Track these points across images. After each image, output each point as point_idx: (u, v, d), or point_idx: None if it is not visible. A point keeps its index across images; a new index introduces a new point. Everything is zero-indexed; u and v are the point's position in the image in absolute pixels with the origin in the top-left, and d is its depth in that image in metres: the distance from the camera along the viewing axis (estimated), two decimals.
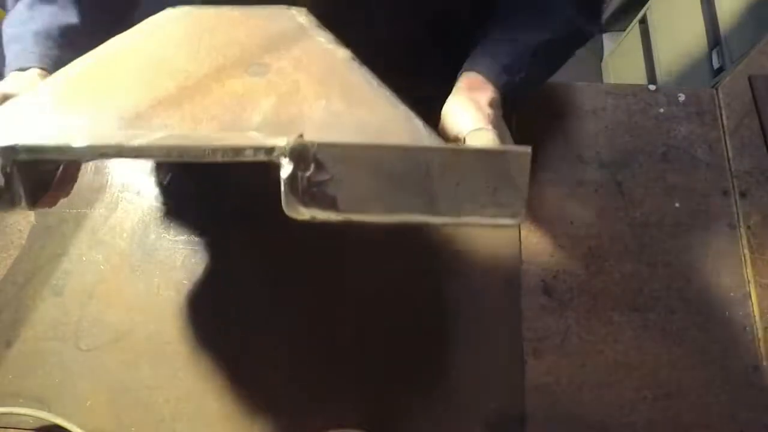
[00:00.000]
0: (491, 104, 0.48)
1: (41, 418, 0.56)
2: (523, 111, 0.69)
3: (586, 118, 0.69)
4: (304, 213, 0.30)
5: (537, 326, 0.59)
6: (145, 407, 0.57)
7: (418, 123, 0.36)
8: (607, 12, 1.81)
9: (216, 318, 0.61)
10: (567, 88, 0.70)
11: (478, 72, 0.51)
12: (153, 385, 0.58)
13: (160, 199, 0.67)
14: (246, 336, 0.60)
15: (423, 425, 0.56)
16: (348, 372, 0.58)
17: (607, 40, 1.84)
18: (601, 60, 1.82)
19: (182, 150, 0.30)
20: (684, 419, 0.55)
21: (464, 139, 0.42)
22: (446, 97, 0.52)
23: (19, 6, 0.55)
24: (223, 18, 0.47)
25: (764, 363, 0.57)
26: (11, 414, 0.56)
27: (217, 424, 0.56)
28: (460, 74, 0.52)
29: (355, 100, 0.37)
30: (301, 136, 0.31)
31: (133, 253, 0.64)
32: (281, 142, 0.30)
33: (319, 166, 0.29)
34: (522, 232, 0.63)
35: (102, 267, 0.64)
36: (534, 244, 0.63)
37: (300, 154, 0.29)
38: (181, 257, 0.64)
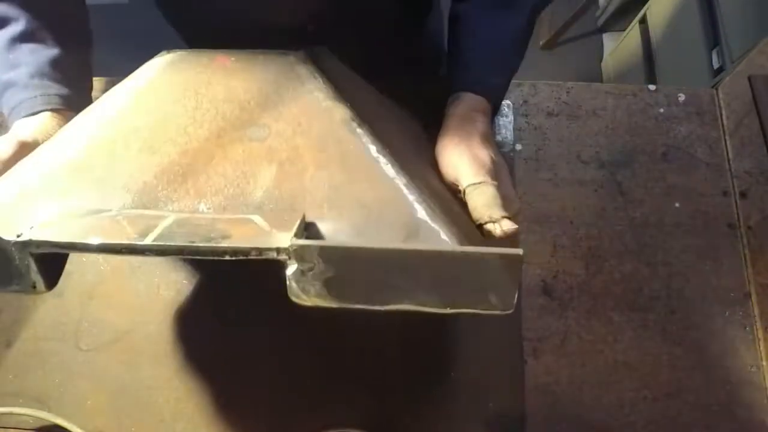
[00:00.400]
0: (485, 139, 0.48)
1: (41, 418, 0.56)
2: (522, 111, 0.69)
3: (586, 118, 0.69)
4: (307, 301, 0.33)
5: (537, 326, 0.59)
6: (145, 407, 0.57)
7: (416, 197, 0.38)
8: (607, 12, 1.81)
9: (216, 318, 0.61)
10: (567, 88, 0.70)
11: (470, 91, 0.52)
12: (153, 385, 0.58)
13: None
14: (246, 336, 0.60)
15: (423, 425, 0.56)
16: (348, 372, 0.58)
17: (607, 40, 1.84)
18: (601, 60, 1.82)
19: (193, 250, 0.33)
20: (684, 419, 0.55)
21: (464, 192, 0.44)
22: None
23: None
24: (219, 67, 0.46)
25: (764, 363, 0.57)
26: (11, 414, 0.56)
27: (216, 424, 0.56)
28: (452, 97, 0.52)
29: (354, 170, 0.39)
30: (303, 219, 0.35)
31: None
32: (285, 242, 0.32)
33: (321, 265, 0.32)
34: (522, 232, 0.63)
35: (102, 267, 0.64)
36: (534, 243, 0.63)
37: (303, 256, 0.32)
38: (181, 257, 0.64)
